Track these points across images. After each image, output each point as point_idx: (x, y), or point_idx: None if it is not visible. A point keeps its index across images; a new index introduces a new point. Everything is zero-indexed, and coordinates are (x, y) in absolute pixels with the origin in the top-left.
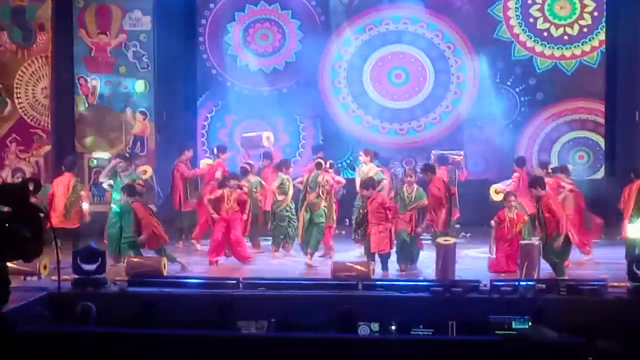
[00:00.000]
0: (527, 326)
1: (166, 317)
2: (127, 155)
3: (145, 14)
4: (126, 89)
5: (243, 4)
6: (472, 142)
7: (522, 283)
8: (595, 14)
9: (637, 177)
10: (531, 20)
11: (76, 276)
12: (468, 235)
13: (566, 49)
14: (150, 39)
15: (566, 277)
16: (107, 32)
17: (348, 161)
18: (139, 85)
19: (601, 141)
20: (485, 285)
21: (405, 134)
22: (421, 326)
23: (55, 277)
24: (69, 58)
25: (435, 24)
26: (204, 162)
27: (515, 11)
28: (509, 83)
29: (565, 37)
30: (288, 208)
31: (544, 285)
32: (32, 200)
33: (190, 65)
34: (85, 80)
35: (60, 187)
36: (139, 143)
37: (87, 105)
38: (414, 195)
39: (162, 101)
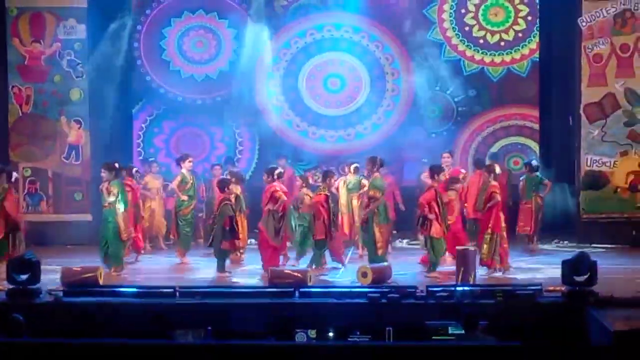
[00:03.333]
0: (463, 331)
1: (103, 327)
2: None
3: (80, 23)
4: (61, 97)
5: (181, 10)
6: (408, 149)
7: (458, 288)
8: (529, 18)
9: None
10: (467, 28)
11: (11, 286)
12: (404, 241)
13: (498, 54)
14: (85, 48)
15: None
16: (41, 41)
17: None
18: (74, 94)
19: (536, 147)
20: (421, 291)
21: (343, 141)
22: (358, 332)
23: None
24: (2, 67)
25: (374, 33)
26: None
27: (451, 23)
28: (438, 88)
29: (502, 43)
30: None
31: (479, 290)
32: None
33: (126, 74)
34: (19, 89)
35: None
36: (73, 152)
37: (21, 114)
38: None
39: (97, 109)
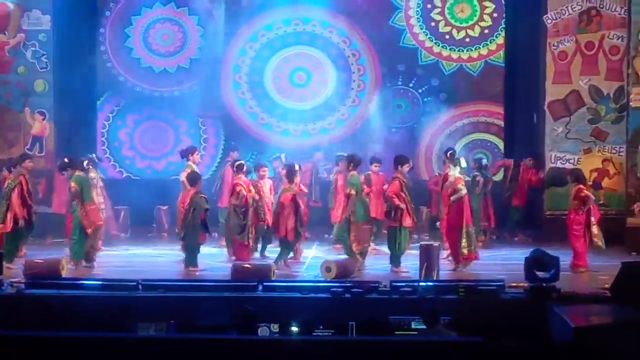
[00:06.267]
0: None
1: (65, 320)
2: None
3: (45, 14)
4: (25, 89)
5: (139, 7)
6: (374, 144)
7: (421, 284)
8: (495, 15)
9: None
10: (433, 24)
11: None
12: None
13: (468, 50)
14: (50, 39)
15: (465, 278)
16: (5, 32)
17: (250, 162)
18: (38, 85)
19: (500, 143)
20: (385, 286)
21: (308, 135)
22: (321, 327)
23: None
24: None
25: (342, 28)
26: None
27: (418, 20)
28: (411, 85)
29: (467, 40)
30: None
31: (442, 286)
32: None
33: (91, 66)
34: None
35: None
36: (37, 143)
37: None
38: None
39: (62, 101)
